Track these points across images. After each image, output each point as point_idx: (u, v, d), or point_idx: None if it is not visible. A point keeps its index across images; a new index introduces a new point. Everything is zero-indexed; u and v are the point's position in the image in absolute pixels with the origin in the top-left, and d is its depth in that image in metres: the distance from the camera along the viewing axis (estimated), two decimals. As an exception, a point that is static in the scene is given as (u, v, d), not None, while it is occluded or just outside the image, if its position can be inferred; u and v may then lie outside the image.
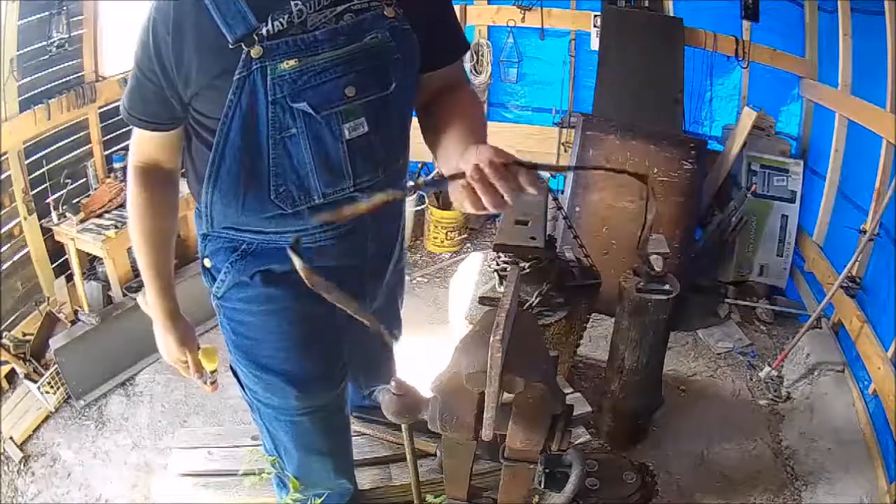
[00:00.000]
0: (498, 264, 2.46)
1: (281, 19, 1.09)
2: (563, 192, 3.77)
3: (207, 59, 1.09)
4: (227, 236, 1.34)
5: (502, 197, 0.96)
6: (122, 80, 3.22)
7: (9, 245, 2.94)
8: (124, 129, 3.19)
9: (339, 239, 1.33)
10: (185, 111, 1.19)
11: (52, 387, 2.81)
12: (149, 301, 1.43)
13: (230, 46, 1.07)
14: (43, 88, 2.95)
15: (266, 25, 1.08)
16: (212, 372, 1.50)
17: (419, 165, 4.36)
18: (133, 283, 3.18)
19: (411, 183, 3.09)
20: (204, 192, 1.25)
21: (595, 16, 3.84)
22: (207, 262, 1.40)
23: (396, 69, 1.21)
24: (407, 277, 3.87)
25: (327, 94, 1.15)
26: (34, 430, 2.74)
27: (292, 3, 1.10)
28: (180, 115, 1.20)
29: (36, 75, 2.91)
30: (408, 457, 1.47)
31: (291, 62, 1.10)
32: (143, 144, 1.28)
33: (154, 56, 1.10)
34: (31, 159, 2.98)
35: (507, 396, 1.01)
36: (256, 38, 1.08)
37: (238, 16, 1.06)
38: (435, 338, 3.20)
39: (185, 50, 1.08)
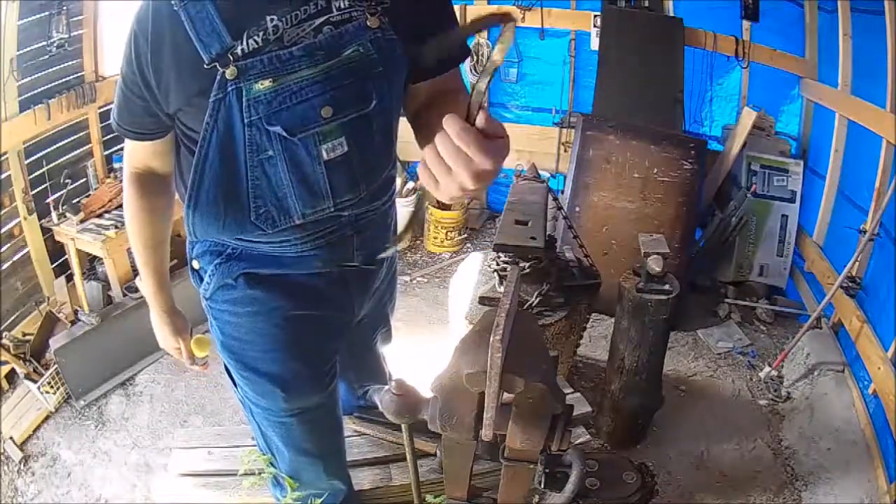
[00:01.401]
0: (498, 264, 2.46)
1: (256, 36, 1.06)
2: (563, 192, 3.77)
3: (185, 77, 1.08)
4: (212, 240, 1.35)
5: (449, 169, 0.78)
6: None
7: (9, 245, 2.94)
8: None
9: (322, 249, 1.32)
10: (171, 121, 1.19)
11: (52, 387, 2.81)
12: (146, 296, 1.53)
13: (206, 66, 1.05)
14: (43, 88, 2.95)
15: (241, 44, 1.05)
16: (202, 357, 1.62)
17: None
18: (133, 284, 3.18)
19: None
20: (185, 210, 1.24)
21: (595, 16, 3.84)
22: (196, 264, 1.41)
23: (378, 83, 1.16)
24: (407, 277, 3.90)
25: (303, 115, 1.12)
26: (34, 430, 2.74)
27: (268, 17, 1.06)
28: (168, 125, 1.20)
29: (36, 75, 2.91)
30: (408, 457, 1.47)
31: (266, 82, 1.07)
32: (136, 153, 1.30)
33: (136, 70, 1.09)
34: (31, 159, 2.98)
35: (507, 396, 1.01)
36: (231, 57, 1.05)
37: (213, 34, 1.04)
38: (435, 338, 3.20)
39: (164, 66, 1.07)
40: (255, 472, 1.88)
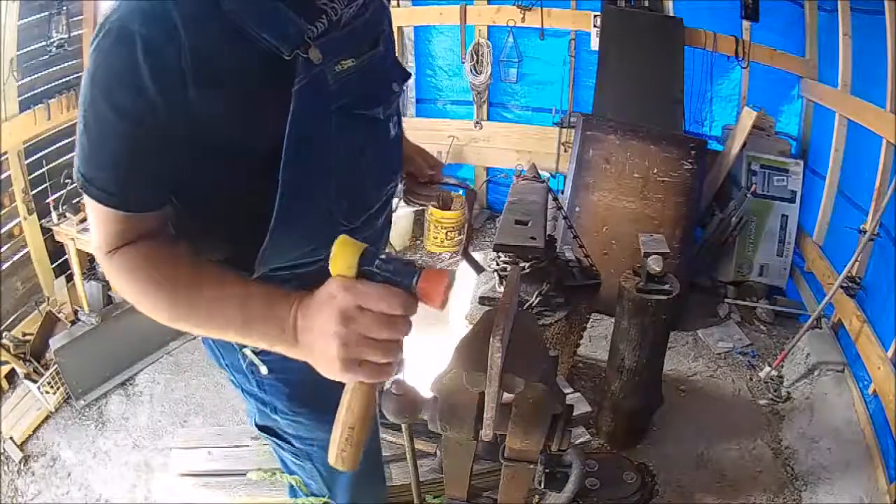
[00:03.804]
0: (498, 264, 2.46)
1: (322, 20, 0.94)
2: (563, 192, 3.77)
3: (251, 79, 0.88)
4: (271, 279, 1.05)
5: None
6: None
7: (9, 245, 2.94)
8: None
9: (377, 233, 1.25)
10: (194, 160, 0.90)
11: (52, 387, 2.81)
12: (265, 342, 0.90)
13: (286, 57, 0.87)
14: (43, 88, 2.96)
15: (312, 28, 0.92)
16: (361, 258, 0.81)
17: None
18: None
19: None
20: (270, 232, 0.97)
21: (595, 16, 3.84)
22: None
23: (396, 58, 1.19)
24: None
25: (383, 90, 1.07)
26: (34, 430, 2.74)
27: (318, 2, 0.96)
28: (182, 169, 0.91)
29: (36, 75, 2.92)
30: (408, 457, 1.47)
31: (348, 62, 0.97)
32: (128, 227, 0.90)
33: (168, 96, 0.82)
34: (31, 159, 2.98)
35: (507, 396, 1.01)
36: (310, 39, 0.90)
37: (286, 24, 0.88)
38: (435, 338, 3.20)
39: (211, 75, 0.84)
40: (265, 471, 1.89)
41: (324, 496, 1.54)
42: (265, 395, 1.28)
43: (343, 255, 0.82)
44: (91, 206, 0.89)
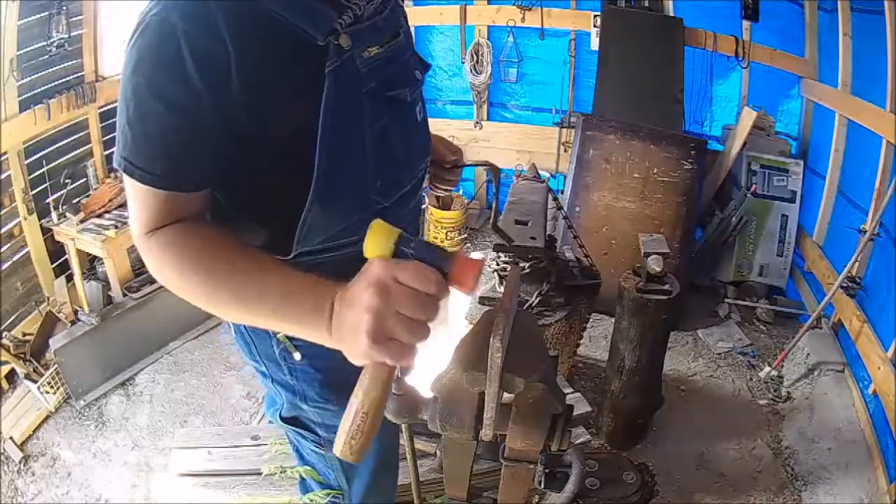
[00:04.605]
0: (498, 264, 2.46)
1: (347, 14, 1.03)
2: (563, 192, 3.77)
3: (285, 64, 0.94)
4: (306, 263, 1.08)
5: None
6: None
7: (9, 245, 2.94)
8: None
9: (412, 219, 1.33)
10: (233, 141, 0.94)
11: (52, 387, 2.81)
12: (295, 325, 0.91)
13: (319, 43, 0.94)
14: (43, 88, 2.96)
15: (341, 18, 1.00)
16: (397, 241, 0.84)
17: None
18: (133, 283, 3.18)
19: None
20: (307, 208, 1.02)
21: (595, 16, 3.85)
22: None
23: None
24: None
25: (408, 77, 1.16)
26: (34, 430, 2.74)
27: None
28: (221, 154, 0.96)
29: (36, 75, 2.92)
30: (408, 457, 1.47)
31: (374, 49, 1.06)
32: (167, 207, 0.93)
33: (213, 87, 0.87)
34: (31, 159, 2.98)
35: (507, 396, 1.01)
36: (339, 27, 0.98)
37: (317, 13, 0.96)
38: (435, 338, 3.20)
39: (252, 65, 0.89)
40: (277, 472, 1.88)
41: (339, 488, 1.54)
42: (296, 383, 1.30)
43: (379, 238, 0.84)
44: (132, 187, 0.93)
